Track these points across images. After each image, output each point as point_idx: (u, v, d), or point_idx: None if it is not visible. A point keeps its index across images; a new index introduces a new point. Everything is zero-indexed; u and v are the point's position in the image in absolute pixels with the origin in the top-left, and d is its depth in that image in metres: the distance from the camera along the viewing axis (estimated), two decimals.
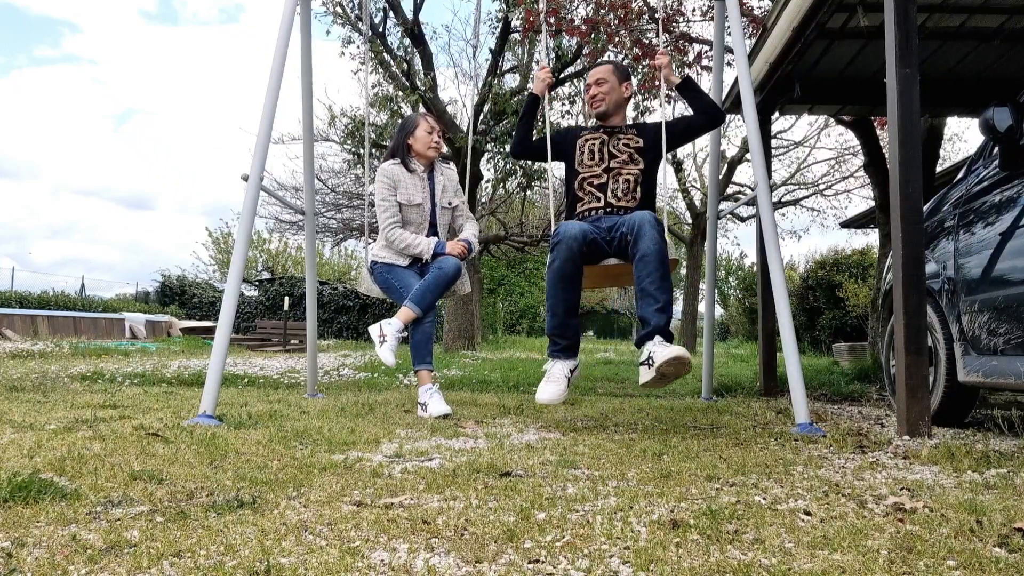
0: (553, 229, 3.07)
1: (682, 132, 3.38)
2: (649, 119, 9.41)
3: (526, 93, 10.41)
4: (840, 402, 4.45)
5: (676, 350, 2.67)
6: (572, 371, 3.02)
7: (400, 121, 3.77)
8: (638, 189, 3.23)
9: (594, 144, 3.32)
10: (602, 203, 3.21)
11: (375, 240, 3.78)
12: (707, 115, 3.34)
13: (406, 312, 3.34)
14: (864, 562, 1.22)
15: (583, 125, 3.62)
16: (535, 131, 3.62)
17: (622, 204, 3.19)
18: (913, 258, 2.73)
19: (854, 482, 1.88)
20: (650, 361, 2.73)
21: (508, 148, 11.14)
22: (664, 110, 4.25)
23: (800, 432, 2.78)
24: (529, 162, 12.08)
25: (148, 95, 65.80)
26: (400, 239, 3.52)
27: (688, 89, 3.35)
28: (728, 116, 11.79)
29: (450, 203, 3.70)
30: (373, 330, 3.31)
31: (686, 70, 8.67)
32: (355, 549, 1.27)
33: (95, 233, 59.12)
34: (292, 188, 15.29)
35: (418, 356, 3.42)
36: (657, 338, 2.77)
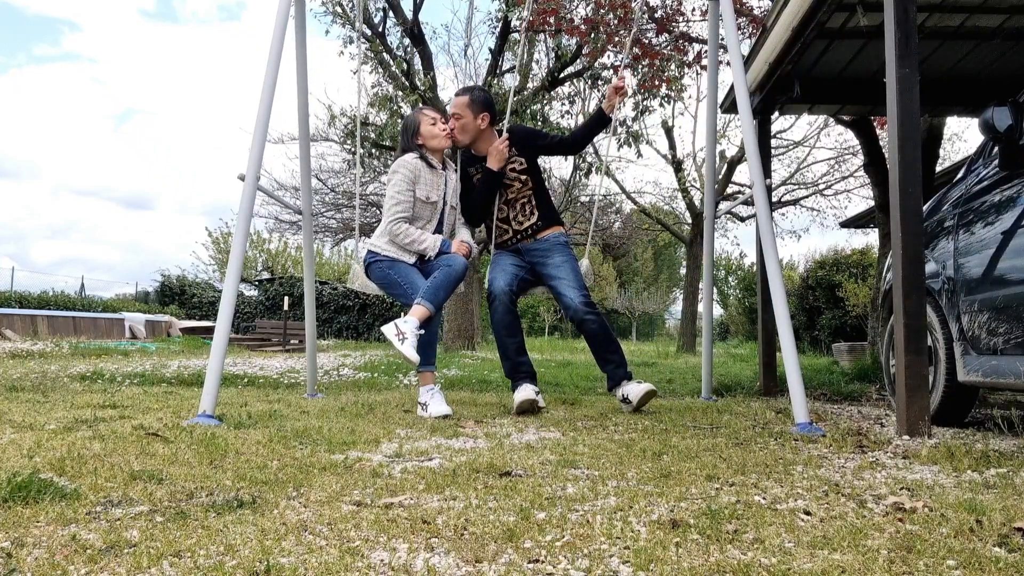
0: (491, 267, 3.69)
1: (548, 147, 3.80)
2: (649, 120, 9.43)
3: (527, 93, 10.43)
4: (840, 402, 4.45)
5: (645, 387, 3.39)
6: (537, 392, 3.49)
7: (401, 125, 3.72)
8: (534, 204, 3.63)
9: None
10: (510, 233, 3.65)
11: (366, 239, 3.71)
12: (575, 145, 3.78)
13: (421, 310, 3.24)
14: (864, 562, 1.22)
15: (471, 159, 3.73)
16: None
17: (526, 226, 3.63)
18: (913, 258, 2.73)
19: (854, 482, 1.88)
20: (628, 400, 3.43)
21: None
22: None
23: (800, 432, 2.78)
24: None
25: (148, 94, 65.77)
26: (406, 234, 3.42)
27: (600, 123, 3.64)
28: (728, 116, 11.82)
29: (456, 204, 3.67)
30: (388, 329, 3.20)
31: (686, 69, 8.67)
32: (355, 549, 1.27)
33: (95, 233, 59.16)
34: (292, 188, 15.30)
35: (424, 357, 3.36)
36: (623, 382, 3.47)
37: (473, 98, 3.59)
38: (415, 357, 3.14)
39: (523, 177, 3.60)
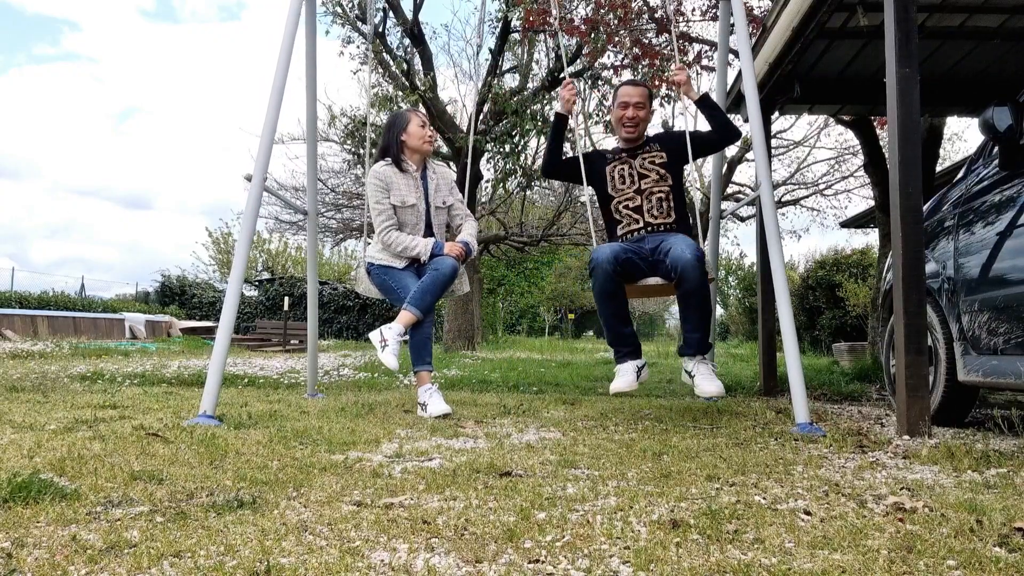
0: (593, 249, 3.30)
1: (698, 146, 3.50)
2: (653, 118, 9.42)
3: (527, 93, 10.44)
4: (840, 402, 4.45)
5: (715, 390, 3.10)
6: (640, 368, 3.24)
7: (387, 120, 3.75)
8: (671, 204, 3.41)
9: (623, 169, 3.49)
10: (641, 224, 3.40)
11: (369, 240, 3.76)
12: (722, 132, 3.46)
13: (406, 315, 3.31)
14: (864, 562, 1.22)
15: (607, 150, 3.64)
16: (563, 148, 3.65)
17: (659, 221, 3.38)
18: (913, 258, 2.73)
19: (854, 482, 1.88)
20: (692, 376, 3.21)
21: (508, 148, 11.18)
22: (686, 120, 4.08)
23: (800, 432, 2.78)
24: (528, 162, 12.09)
25: (148, 94, 65.85)
26: (397, 242, 3.49)
27: (706, 105, 3.45)
28: (729, 115, 11.73)
29: (444, 202, 3.68)
30: (374, 336, 3.30)
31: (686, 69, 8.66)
32: (355, 549, 1.27)
33: (94, 233, 59.15)
34: (292, 188, 15.29)
35: (418, 357, 3.41)
36: (698, 357, 3.21)
37: (650, 90, 3.58)
38: (393, 365, 3.22)
39: (661, 171, 3.43)
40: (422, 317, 3.35)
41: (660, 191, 3.41)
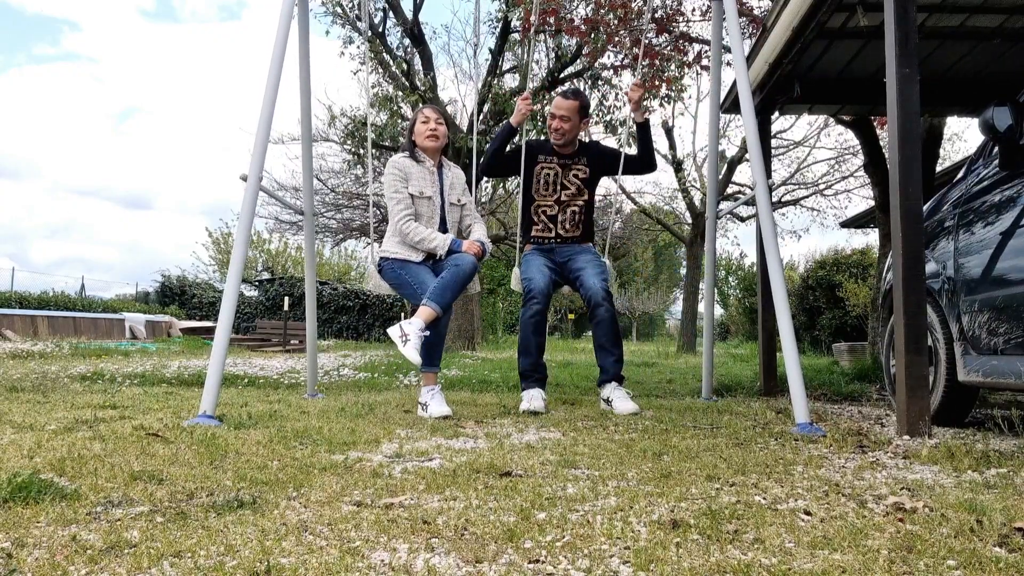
0: (521, 268, 3.72)
1: (615, 161, 3.84)
2: (653, 118, 9.42)
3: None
4: (840, 402, 4.45)
5: (631, 409, 3.38)
6: (544, 400, 3.56)
7: None
8: (582, 218, 3.82)
9: (549, 174, 3.79)
10: (553, 233, 3.81)
11: (381, 237, 3.74)
12: (643, 162, 3.84)
13: (427, 311, 3.24)
14: (864, 562, 1.22)
15: (543, 142, 3.91)
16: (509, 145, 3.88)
17: (569, 235, 3.81)
18: (913, 258, 2.73)
19: (854, 482, 1.88)
20: (609, 404, 3.52)
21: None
22: (626, 148, 4.12)
23: (800, 432, 2.78)
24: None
25: (148, 94, 65.85)
26: (415, 232, 3.45)
27: (643, 131, 3.80)
28: (728, 116, 11.80)
29: (459, 200, 3.66)
30: (393, 331, 3.22)
31: (686, 69, 8.67)
32: (355, 549, 1.27)
33: (94, 233, 59.16)
34: (292, 188, 15.29)
35: (428, 357, 3.35)
36: (613, 384, 3.56)
37: (582, 104, 3.79)
38: (416, 359, 3.15)
39: (581, 186, 3.78)
40: (441, 314, 3.29)
41: (576, 205, 3.79)
